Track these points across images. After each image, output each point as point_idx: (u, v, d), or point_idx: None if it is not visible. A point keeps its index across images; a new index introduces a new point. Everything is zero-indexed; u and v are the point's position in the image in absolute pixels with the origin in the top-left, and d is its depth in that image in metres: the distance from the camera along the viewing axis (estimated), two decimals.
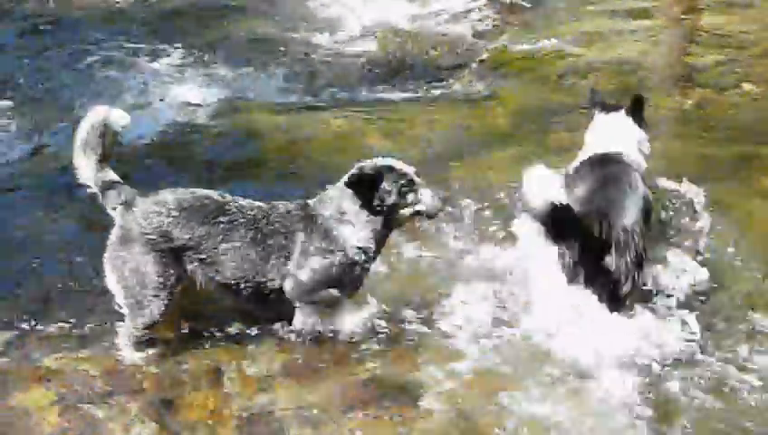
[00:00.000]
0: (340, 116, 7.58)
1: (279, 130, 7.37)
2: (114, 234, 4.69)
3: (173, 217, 4.63)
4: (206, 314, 4.98)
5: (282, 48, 8.97)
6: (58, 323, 4.99)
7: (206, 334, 4.90)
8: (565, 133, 6.99)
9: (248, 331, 4.90)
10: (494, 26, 9.43)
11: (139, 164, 6.69)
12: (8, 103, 7.61)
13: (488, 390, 4.56)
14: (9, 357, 4.77)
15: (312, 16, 9.76)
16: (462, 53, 8.82)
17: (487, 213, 5.99)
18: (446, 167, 6.69)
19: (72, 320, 5.00)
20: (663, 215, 5.83)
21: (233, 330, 4.91)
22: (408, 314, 5.07)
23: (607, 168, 5.38)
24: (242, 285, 4.66)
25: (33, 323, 4.99)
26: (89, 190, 4.82)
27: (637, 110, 5.75)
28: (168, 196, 4.73)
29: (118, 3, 9.81)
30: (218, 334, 4.90)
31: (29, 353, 4.79)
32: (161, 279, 4.58)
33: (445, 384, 4.62)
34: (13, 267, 5.51)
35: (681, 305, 5.07)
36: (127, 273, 4.59)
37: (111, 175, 4.75)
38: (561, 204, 4.70)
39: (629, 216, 4.98)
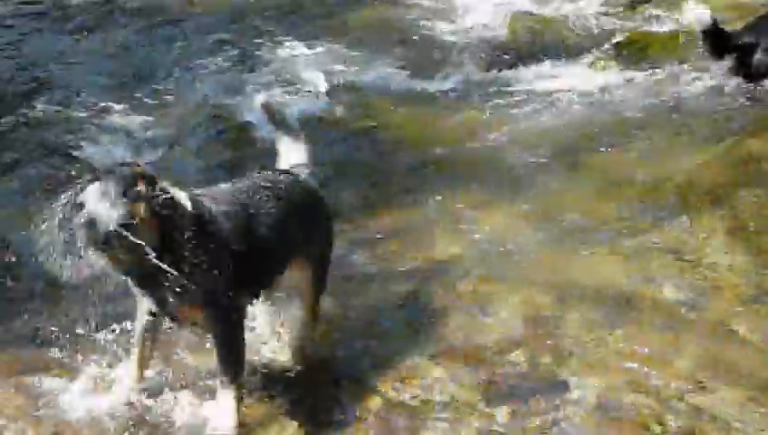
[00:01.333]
0: (469, 104, 7.53)
1: (404, 119, 7.37)
2: None
3: None
4: None
5: (407, 34, 8.98)
6: None
7: None
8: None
9: None
10: (628, 6, 9.22)
11: (264, 154, 6.79)
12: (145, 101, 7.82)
13: None
14: None
15: (437, 3, 9.71)
16: (596, 36, 8.64)
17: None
18: (576, 157, 6.61)
19: None
20: None
21: None
22: None
23: None
24: None
25: None
26: None
27: None
28: None
29: None
30: None
31: None
32: None
33: None
34: None
35: None
36: None
37: None
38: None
39: None
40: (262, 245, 4.20)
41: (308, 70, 8.20)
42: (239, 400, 4.09)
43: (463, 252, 5.60)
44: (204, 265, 3.88)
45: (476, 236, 5.75)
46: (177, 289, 3.85)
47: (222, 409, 4.07)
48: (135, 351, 4.33)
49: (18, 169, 6.70)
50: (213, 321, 4.05)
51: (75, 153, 6.91)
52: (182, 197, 3.95)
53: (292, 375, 4.50)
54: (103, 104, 7.69)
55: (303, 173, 4.63)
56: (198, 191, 4.18)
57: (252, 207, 4.23)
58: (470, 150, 6.90)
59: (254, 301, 4.38)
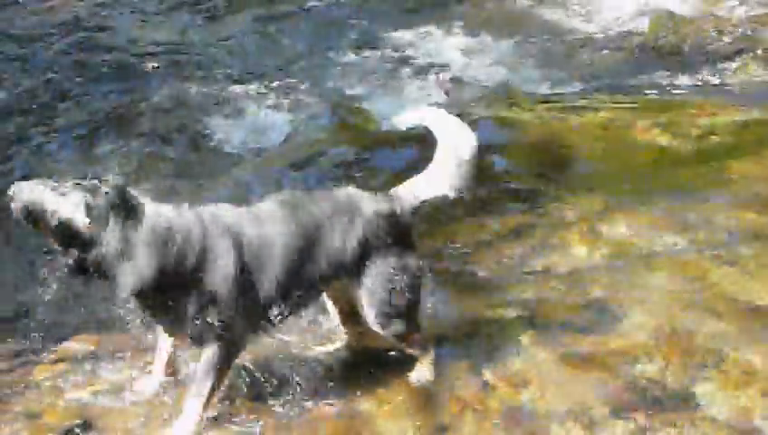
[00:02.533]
0: (607, 105, 7.38)
1: (534, 116, 7.27)
2: None
3: None
4: None
5: (541, 31, 8.88)
6: None
7: None
8: None
9: None
10: None
11: (396, 150, 6.81)
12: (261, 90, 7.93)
13: None
14: None
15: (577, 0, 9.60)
16: (743, 39, 8.38)
17: None
18: (724, 163, 6.37)
19: None
20: None
21: None
22: None
23: None
24: None
25: None
26: None
27: None
28: None
29: None
30: None
31: None
32: None
33: None
34: None
35: None
36: None
37: None
38: None
39: None
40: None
41: (434, 63, 8.18)
42: (204, 408, 4.08)
43: (592, 257, 5.47)
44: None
45: (607, 240, 5.61)
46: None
47: (186, 413, 4.09)
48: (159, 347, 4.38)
49: (148, 148, 6.90)
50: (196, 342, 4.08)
51: (201, 137, 7.08)
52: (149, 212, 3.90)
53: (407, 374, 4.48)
54: (228, 88, 7.84)
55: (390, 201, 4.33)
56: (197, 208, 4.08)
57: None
58: (603, 151, 6.76)
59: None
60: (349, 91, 7.76)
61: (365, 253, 4.21)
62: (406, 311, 4.32)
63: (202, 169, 6.82)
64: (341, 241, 4.16)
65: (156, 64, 8.32)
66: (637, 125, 6.99)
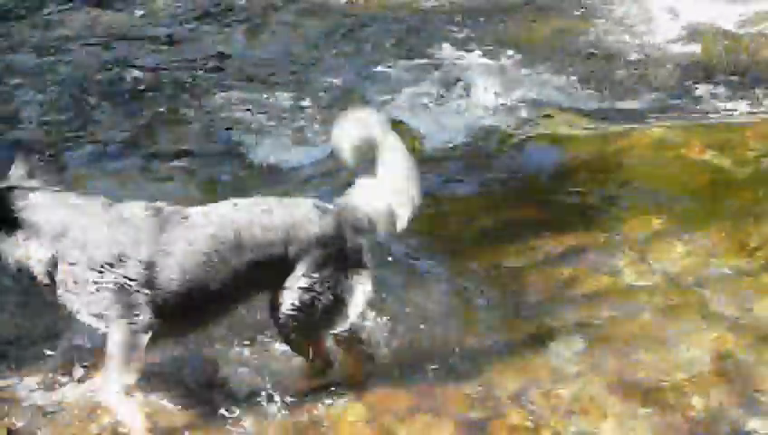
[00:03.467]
0: (658, 124, 7.28)
1: (589, 139, 7.18)
2: None
3: None
4: None
5: (591, 49, 8.80)
6: None
7: None
8: None
9: None
10: None
11: (438, 168, 6.77)
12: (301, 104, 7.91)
13: None
14: None
15: (625, 16, 9.49)
16: None
17: None
18: None
19: None
20: None
21: None
22: None
23: None
24: None
25: None
26: None
27: None
28: None
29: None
30: None
31: None
32: None
33: None
34: None
35: None
36: None
37: None
38: None
39: None
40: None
41: (481, 78, 8.13)
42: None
43: (644, 281, 5.41)
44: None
45: (659, 264, 5.55)
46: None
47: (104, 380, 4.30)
48: None
49: (181, 164, 6.95)
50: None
51: (240, 152, 7.10)
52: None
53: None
54: (268, 101, 7.84)
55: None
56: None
57: None
58: (655, 172, 6.67)
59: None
60: (391, 107, 7.71)
61: (291, 269, 4.31)
62: (314, 327, 4.41)
63: (241, 183, 6.81)
64: (261, 256, 4.26)
65: (191, 77, 8.33)
66: (690, 145, 6.89)
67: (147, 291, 4.16)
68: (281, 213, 4.33)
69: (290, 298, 4.32)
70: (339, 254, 4.34)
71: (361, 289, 4.41)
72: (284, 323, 4.37)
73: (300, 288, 4.31)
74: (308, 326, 4.39)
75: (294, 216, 4.32)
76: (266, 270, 4.28)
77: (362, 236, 4.41)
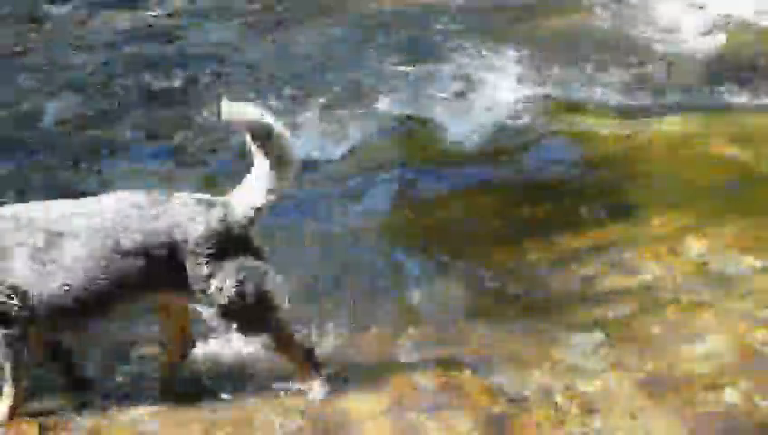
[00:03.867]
0: (681, 121, 7.27)
1: (610, 135, 7.16)
2: None
3: None
4: None
5: (614, 45, 8.77)
6: None
7: None
8: None
9: None
10: None
11: (458, 165, 6.79)
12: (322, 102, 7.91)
13: None
14: None
15: (649, 11, 9.46)
16: None
17: None
18: None
19: None
20: None
21: None
22: None
23: None
24: None
25: None
26: None
27: None
28: None
29: None
30: None
31: None
32: None
33: None
34: None
35: None
36: None
37: None
38: None
39: None
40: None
41: (498, 75, 8.13)
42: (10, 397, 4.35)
43: (670, 276, 5.38)
44: None
45: (685, 259, 5.52)
46: None
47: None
48: None
49: (201, 162, 7.00)
50: None
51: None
52: None
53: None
54: (290, 98, 7.86)
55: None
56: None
57: None
58: (677, 167, 6.66)
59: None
60: (415, 105, 7.72)
61: (187, 268, 4.25)
62: (259, 316, 4.35)
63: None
64: (148, 255, 4.20)
65: (212, 76, 8.36)
66: (713, 140, 6.89)
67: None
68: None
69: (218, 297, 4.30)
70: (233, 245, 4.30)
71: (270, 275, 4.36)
72: (228, 322, 4.36)
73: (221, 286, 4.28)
74: (249, 319, 4.35)
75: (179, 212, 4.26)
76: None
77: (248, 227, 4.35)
